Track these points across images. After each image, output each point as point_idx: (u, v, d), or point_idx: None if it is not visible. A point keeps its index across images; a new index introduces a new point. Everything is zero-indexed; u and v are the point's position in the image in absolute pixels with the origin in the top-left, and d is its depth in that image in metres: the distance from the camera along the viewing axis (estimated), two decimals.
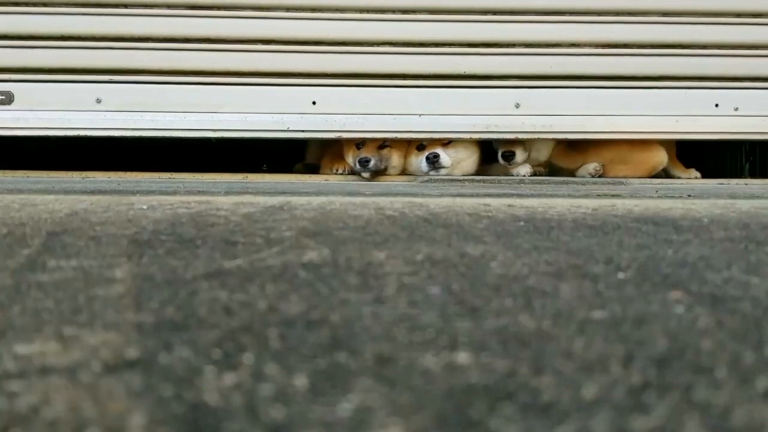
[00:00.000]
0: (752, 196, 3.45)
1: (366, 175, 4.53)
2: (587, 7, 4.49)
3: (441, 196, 3.20)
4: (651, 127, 4.59)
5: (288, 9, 4.46)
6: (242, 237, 1.87)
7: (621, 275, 1.51)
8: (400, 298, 1.31)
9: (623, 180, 4.55)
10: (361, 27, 4.46)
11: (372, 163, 4.51)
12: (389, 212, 2.36)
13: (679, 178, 4.87)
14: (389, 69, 4.48)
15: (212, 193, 3.19)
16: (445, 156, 4.61)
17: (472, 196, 3.25)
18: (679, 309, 1.25)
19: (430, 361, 0.99)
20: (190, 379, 0.91)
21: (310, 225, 2.08)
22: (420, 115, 4.52)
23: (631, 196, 3.37)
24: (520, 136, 4.57)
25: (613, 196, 3.42)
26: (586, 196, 3.38)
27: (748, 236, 2.01)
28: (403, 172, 4.71)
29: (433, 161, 4.59)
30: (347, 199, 2.84)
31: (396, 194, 3.31)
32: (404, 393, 0.89)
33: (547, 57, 4.51)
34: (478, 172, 4.78)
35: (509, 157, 4.65)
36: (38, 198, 2.69)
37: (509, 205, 2.62)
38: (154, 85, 4.46)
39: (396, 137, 4.55)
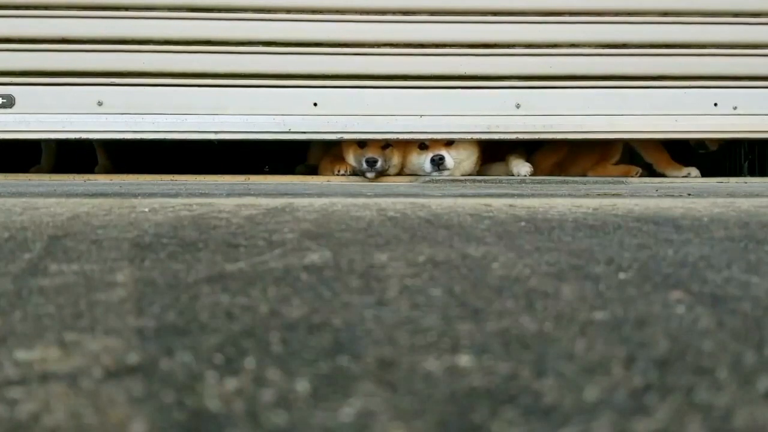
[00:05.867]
0: (751, 195, 3.45)
1: (371, 175, 4.54)
2: (587, 8, 4.50)
3: (443, 196, 3.19)
4: (650, 127, 4.60)
5: (289, 11, 4.47)
6: (244, 239, 1.87)
7: (622, 275, 1.51)
8: (402, 300, 1.31)
9: (623, 179, 4.55)
10: (362, 28, 4.47)
11: (379, 164, 4.52)
12: (391, 213, 2.36)
13: (676, 177, 4.88)
14: (390, 70, 4.49)
15: (214, 195, 3.19)
16: (449, 158, 4.62)
17: (473, 196, 3.25)
18: (680, 309, 1.25)
19: (432, 364, 0.99)
20: (191, 385, 0.91)
21: (312, 227, 2.08)
22: (421, 116, 4.52)
23: (632, 195, 3.37)
24: (521, 136, 4.57)
25: (614, 195, 3.42)
26: (586, 195, 3.38)
27: (748, 235, 2.01)
28: (402, 170, 4.71)
29: (438, 163, 4.59)
30: (349, 200, 2.84)
31: (398, 195, 3.31)
32: (406, 397, 0.89)
33: (547, 57, 4.51)
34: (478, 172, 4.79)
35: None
36: (40, 201, 2.69)
37: (510, 205, 2.62)
38: (155, 88, 4.47)
39: (397, 138, 4.56)
